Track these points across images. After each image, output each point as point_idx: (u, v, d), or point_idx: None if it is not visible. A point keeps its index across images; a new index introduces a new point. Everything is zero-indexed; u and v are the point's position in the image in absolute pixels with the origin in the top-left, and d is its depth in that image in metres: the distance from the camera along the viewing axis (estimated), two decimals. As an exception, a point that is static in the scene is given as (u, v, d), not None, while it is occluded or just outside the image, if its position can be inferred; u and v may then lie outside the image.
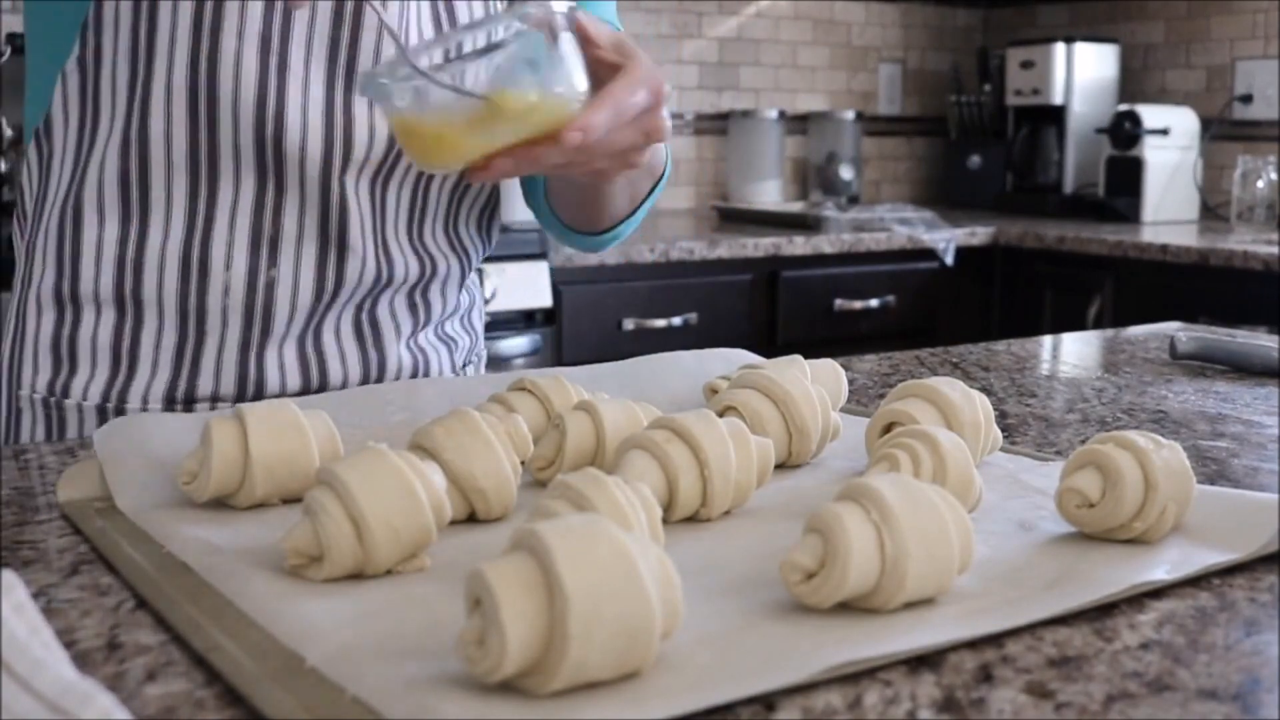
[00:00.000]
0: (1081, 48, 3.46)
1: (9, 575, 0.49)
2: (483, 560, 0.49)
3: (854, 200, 3.50)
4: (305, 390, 1.01)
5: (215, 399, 0.99)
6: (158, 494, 0.73)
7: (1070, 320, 2.88)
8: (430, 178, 1.02)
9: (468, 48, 0.85)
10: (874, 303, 2.95)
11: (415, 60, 0.78)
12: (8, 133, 2.48)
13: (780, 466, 0.82)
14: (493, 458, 0.69)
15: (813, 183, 3.61)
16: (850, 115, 3.59)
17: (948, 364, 1.24)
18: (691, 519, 0.71)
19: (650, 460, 0.70)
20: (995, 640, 0.55)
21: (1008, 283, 3.18)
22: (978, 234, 3.09)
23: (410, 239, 1.02)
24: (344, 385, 1.02)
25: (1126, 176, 3.28)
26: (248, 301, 0.97)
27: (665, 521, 0.65)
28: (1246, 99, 3.36)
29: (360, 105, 0.96)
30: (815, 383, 0.86)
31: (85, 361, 0.99)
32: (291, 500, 0.72)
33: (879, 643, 0.53)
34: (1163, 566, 0.62)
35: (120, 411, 0.98)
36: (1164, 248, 2.79)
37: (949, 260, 3.01)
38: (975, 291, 3.17)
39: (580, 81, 0.80)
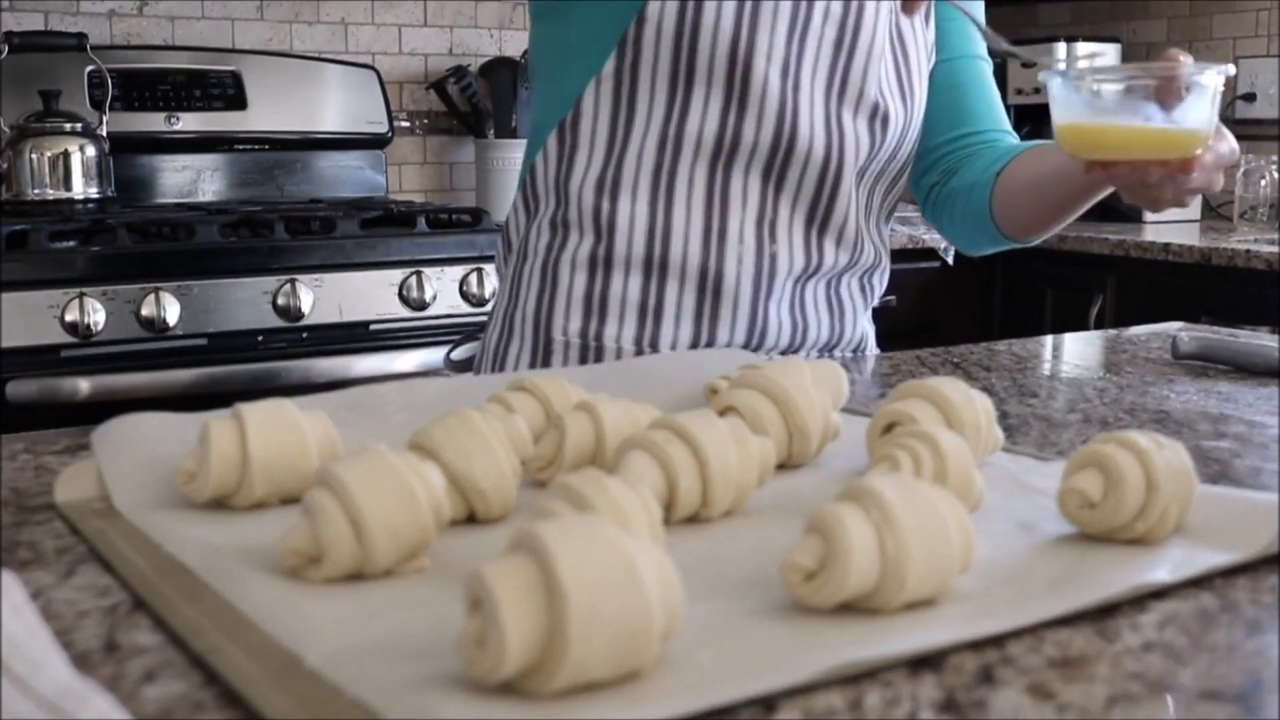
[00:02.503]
0: (1083, 47, 3.45)
1: (7, 576, 0.49)
2: (482, 561, 0.49)
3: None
4: (791, 346, 1.22)
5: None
6: (156, 494, 0.72)
7: (1071, 320, 2.87)
8: (893, 181, 1.25)
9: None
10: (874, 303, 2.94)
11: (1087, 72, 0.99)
12: (6, 132, 2.47)
13: (780, 466, 0.82)
14: (492, 458, 0.69)
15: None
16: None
17: (948, 364, 1.24)
18: (691, 519, 0.71)
19: (650, 460, 0.70)
20: (996, 641, 0.55)
21: (1008, 282, 3.17)
22: (979, 233, 3.08)
23: (871, 230, 1.25)
24: (821, 344, 1.25)
25: (1128, 176, 3.27)
26: (756, 268, 1.18)
27: (665, 521, 0.65)
28: (1249, 98, 3.36)
29: (848, 118, 1.18)
30: (815, 383, 0.86)
31: (614, 314, 1.17)
32: (291, 500, 0.72)
33: (880, 643, 0.53)
34: (1165, 567, 0.62)
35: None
36: (1166, 247, 2.78)
37: (949, 260, 3.00)
38: (976, 291, 3.17)
39: (1211, 131, 0.98)
